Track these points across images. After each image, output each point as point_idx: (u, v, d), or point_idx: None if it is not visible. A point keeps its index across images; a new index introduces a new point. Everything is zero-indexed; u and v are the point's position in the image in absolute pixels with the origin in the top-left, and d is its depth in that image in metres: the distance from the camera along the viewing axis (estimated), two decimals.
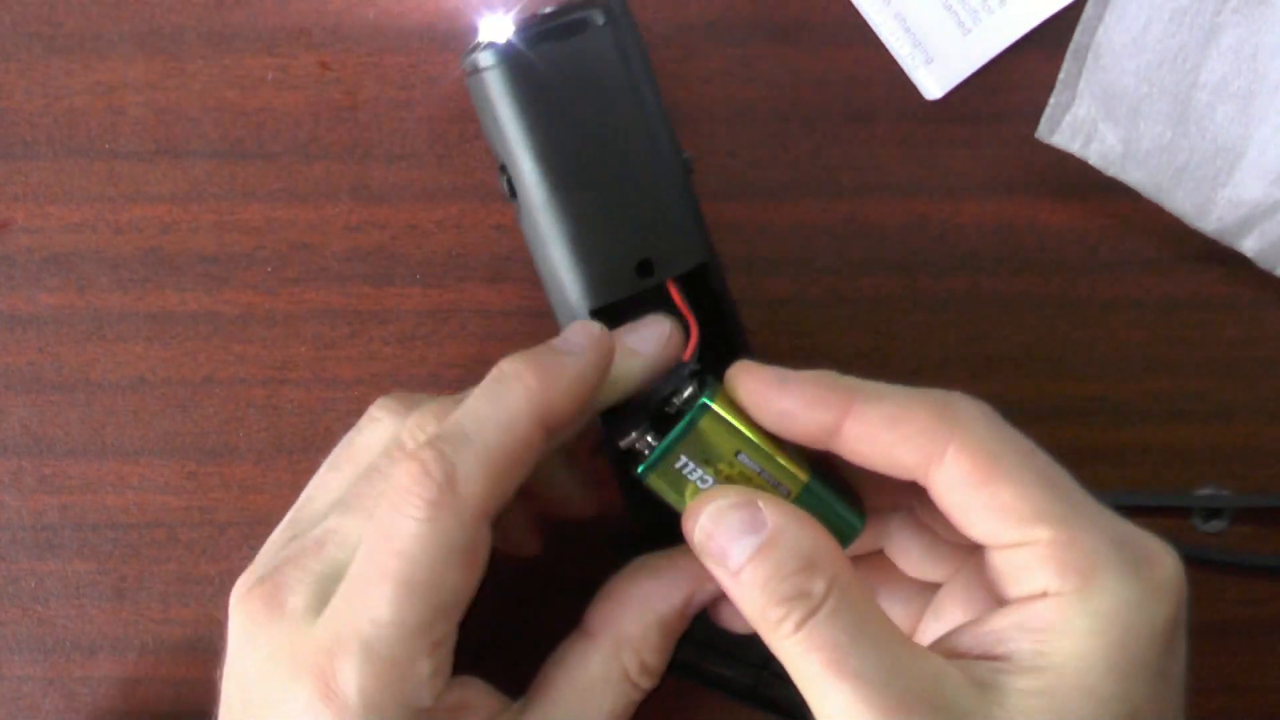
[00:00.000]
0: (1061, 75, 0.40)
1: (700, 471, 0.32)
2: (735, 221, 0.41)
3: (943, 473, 0.30)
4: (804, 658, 0.28)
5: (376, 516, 0.31)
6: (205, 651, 0.41)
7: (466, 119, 0.40)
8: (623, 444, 0.32)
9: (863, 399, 0.30)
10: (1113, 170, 0.40)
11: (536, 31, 0.35)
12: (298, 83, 0.40)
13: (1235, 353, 0.41)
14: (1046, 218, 0.41)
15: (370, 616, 0.30)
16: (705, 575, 0.32)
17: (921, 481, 0.30)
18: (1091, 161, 0.40)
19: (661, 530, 0.34)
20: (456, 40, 0.40)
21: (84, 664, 0.42)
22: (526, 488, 0.32)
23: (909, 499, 0.33)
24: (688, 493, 0.32)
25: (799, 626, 0.28)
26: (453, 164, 0.41)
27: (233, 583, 0.33)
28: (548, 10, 0.35)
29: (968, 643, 0.30)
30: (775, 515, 0.30)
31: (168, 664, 0.42)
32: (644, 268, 0.35)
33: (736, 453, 0.32)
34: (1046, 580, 0.29)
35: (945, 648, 0.30)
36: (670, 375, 0.34)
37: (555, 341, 0.33)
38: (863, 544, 0.35)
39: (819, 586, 0.29)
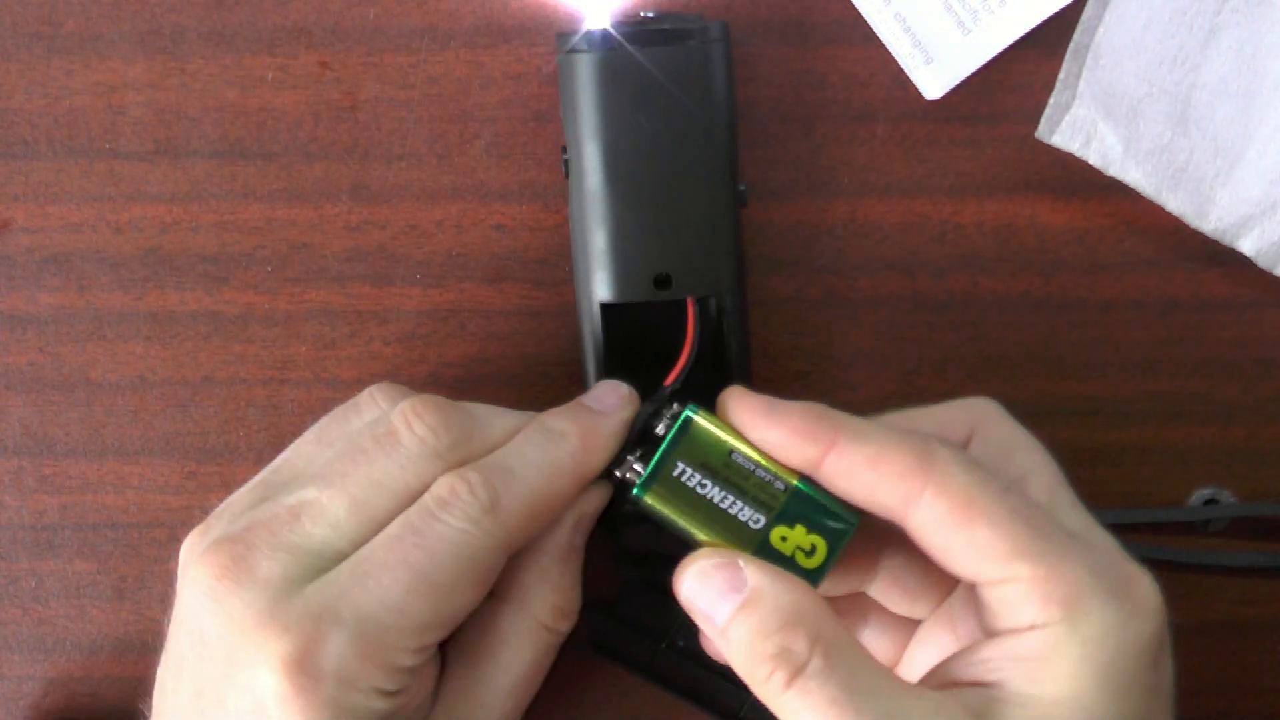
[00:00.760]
0: (1061, 75, 0.40)
1: (699, 476, 0.33)
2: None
3: (921, 513, 0.31)
4: (802, 715, 0.29)
5: (406, 515, 0.32)
6: None
7: (466, 119, 0.41)
8: (617, 471, 0.34)
9: (846, 437, 0.31)
10: (1113, 170, 0.40)
11: (640, 31, 0.36)
12: (298, 83, 0.40)
13: (1235, 353, 0.41)
14: (1046, 218, 0.41)
15: (378, 596, 0.30)
16: (582, 499, 0.34)
17: (900, 520, 0.31)
18: (1091, 161, 0.40)
19: (651, 585, 0.36)
20: (457, 40, 0.40)
21: (84, 664, 0.42)
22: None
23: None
24: (690, 506, 0.33)
25: (789, 684, 0.29)
26: (453, 164, 0.41)
27: None
28: (653, 14, 0.36)
29: (960, 671, 0.31)
30: (756, 575, 0.31)
31: None
32: (661, 281, 0.36)
33: (730, 453, 0.33)
34: (1033, 614, 0.29)
35: (939, 676, 0.31)
36: (652, 402, 0.35)
37: (588, 400, 0.35)
38: (847, 586, 0.36)
39: (801, 644, 0.30)
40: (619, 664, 0.40)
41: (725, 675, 0.37)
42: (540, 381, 0.41)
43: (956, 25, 0.40)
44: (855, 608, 0.36)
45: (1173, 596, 0.42)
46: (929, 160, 0.41)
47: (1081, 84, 0.39)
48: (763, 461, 0.32)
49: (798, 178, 0.41)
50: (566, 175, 0.37)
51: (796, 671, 0.29)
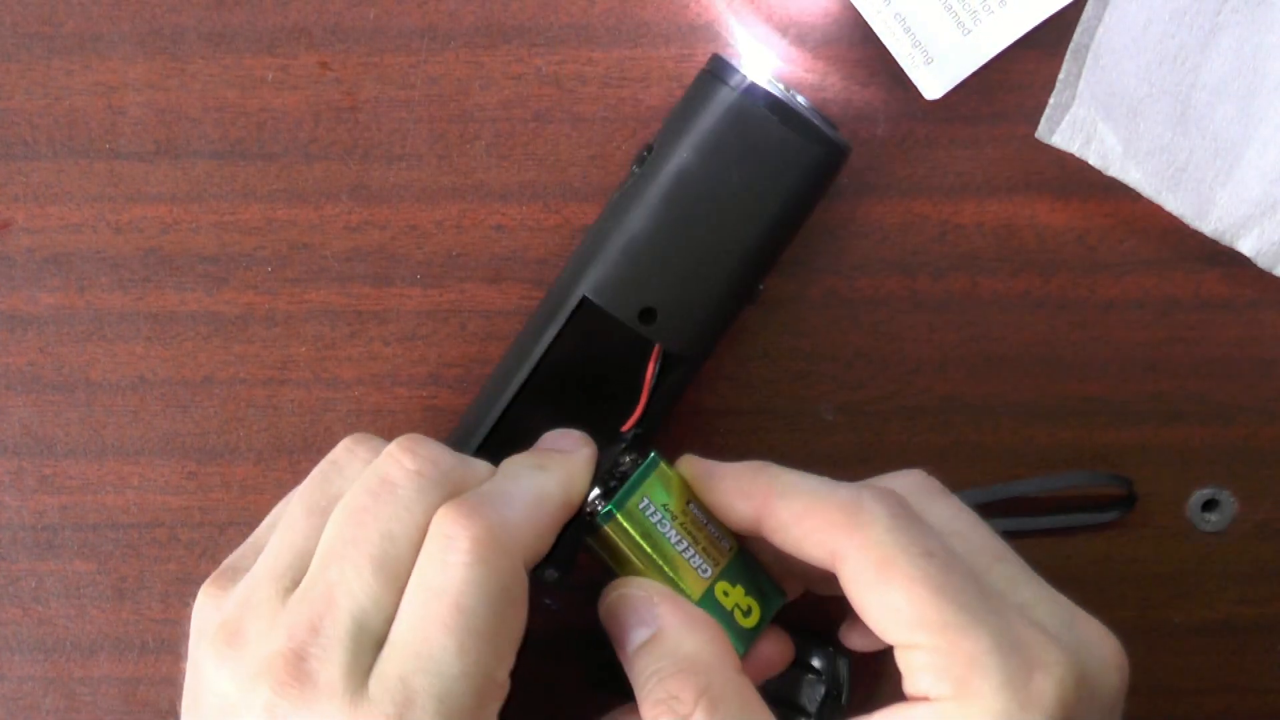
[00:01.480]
0: (1061, 75, 0.40)
1: (660, 514, 0.34)
2: None
3: (845, 569, 0.31)
4: None
5: (419, 571, 0.31)
6: None
7: (466, 119, 0.41)
8: (585, 510, 0.34)
9: (777, 494, 0.32)
10: (1113, 170, 0.40)
11: (783, 105, 0.36)
12: (298, 83, 0.40)
13: (1235, 353, 0.41)
14: (1046, 218, 0.41)
15: (438, 674, 0.30)
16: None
17: (834, 573, 0.32)
18: (1091, 161, 0.40)
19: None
20: (457, 40, 0.40)
21: (84, 664, 0.42)
22: None
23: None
24: (649, 540, 0.33)
25: None
26: (453, 164, 0.41)
27: None
28: (804, 100, 0.37)
29: None
30: (668, 616, 0.32)
31: (168, 664, 0.42)
32: (646, 314, 0.36)
33: (688, 502, 0.34)
34: (928, 685, 0.30)
35: None
36: (613, 449, 0.35)
37: (544, 446, 0.35)
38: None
39: (688, 695, 0.31)
40: (618, 695, 0.40)
41: None
42: None
43: (956, 25, 0.40)
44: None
45: (1173, 597, 0.42)
46: (929, 160, 0.41)
47: (1081, 84, 0.39)
48: (712, 520, 0.34)
49: None
50: (636, 166, 0.37)
51: None
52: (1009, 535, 0.34)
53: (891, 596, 0.30)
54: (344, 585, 0.31)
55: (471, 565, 0.30)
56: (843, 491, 0.32)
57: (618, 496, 0.33)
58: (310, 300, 0.41)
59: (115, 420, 0.42)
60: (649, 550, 0.33)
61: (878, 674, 0.35)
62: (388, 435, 0.34)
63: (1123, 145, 0.39)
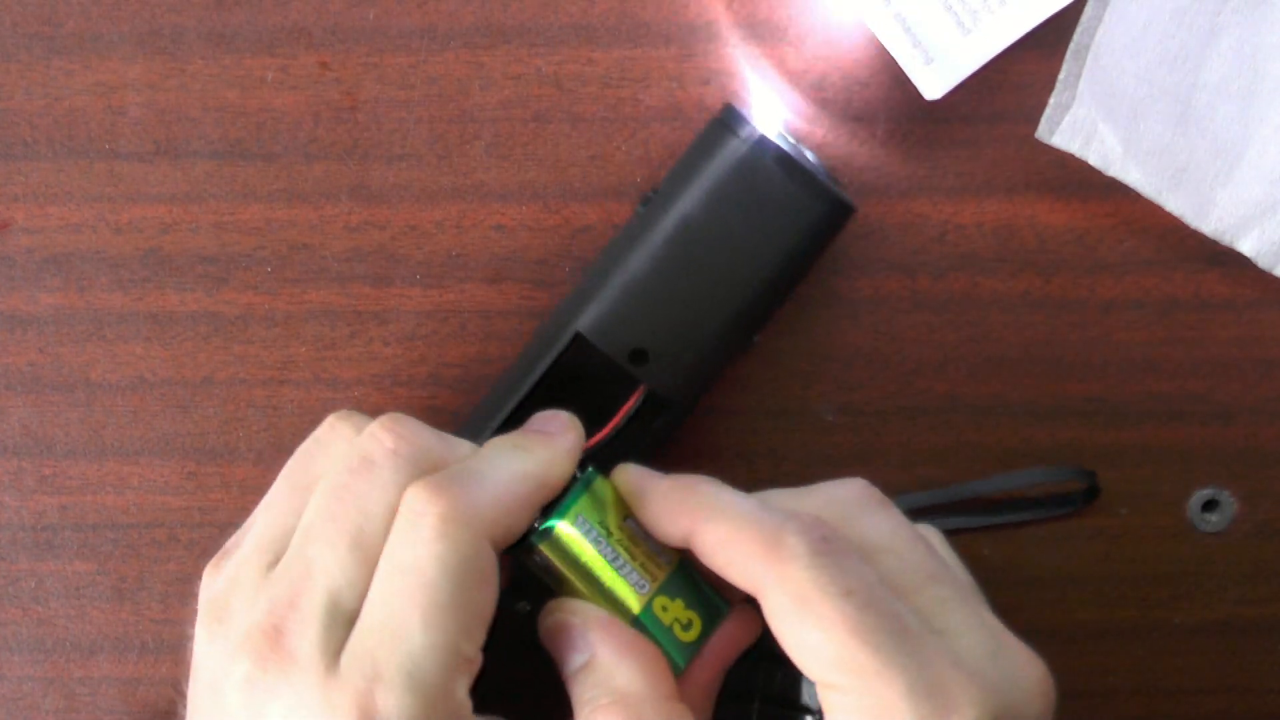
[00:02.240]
0: (1061, 75, 0.40)
1: (596, 532, 0.33)
2: None
3: (766, 603, 0.31)
4: None
5: (389, 548, 0.31)
6: None
7: (466, 120, 0.41)
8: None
9: (704, 517, 0.32)
10: (1113, 170, 0.40)
11: (791, 160, 0.36)
12: (298, 83, 0.40)
13: (1235, 353, 0.41)
14: (1046, 218, 0.41)
15: (405, 648, 0.30)
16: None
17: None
18: (1091, 162, 0.40)
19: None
20: (457, 40, 0.40)
21: (84, 664, 0.42)
22: None
23: None
24: (584, 557, 0.33)
25: None
26: (453, 164, 0.41)
27: None
28: (814, 157, 0.37)
29: None
30: (600, 645, 0.33)
31: (168, 664, 0.42)
32: (637, 355, 0.37)
33: (625, 518, 0.34)
34: None
35: None
36: None
37: (532, 428, 0.35)
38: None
39: None
40: None
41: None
42: None
43: (956, 25, 0.40)
44: None
45: (1173, 597, 0.42)
46: (929, 160, 0.41)
47: (1082, 84, 0.39)
48: (651, 534, 0.34)
49: None
50: (641, 207, 0.37)
51: None
52: (965, 533, 0.34)
53: (809, 636, 0.30)
54: (320, 562, 0.31)
55: (436, 541, 0.30)
56: (767, 520, 0.31)
57: (551, 516, 0.33)
58: (310, 300, 0.41)
59: (115, 420, 0.42)
60: (584, 569, 0.33)
61: None
62: None
63: (1123, 145, 0.39)
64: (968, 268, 0.41)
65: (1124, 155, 0.40)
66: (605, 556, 0.33)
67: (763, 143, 0.36)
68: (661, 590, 0.33)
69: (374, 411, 0.35)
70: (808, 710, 0.38)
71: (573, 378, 0.38)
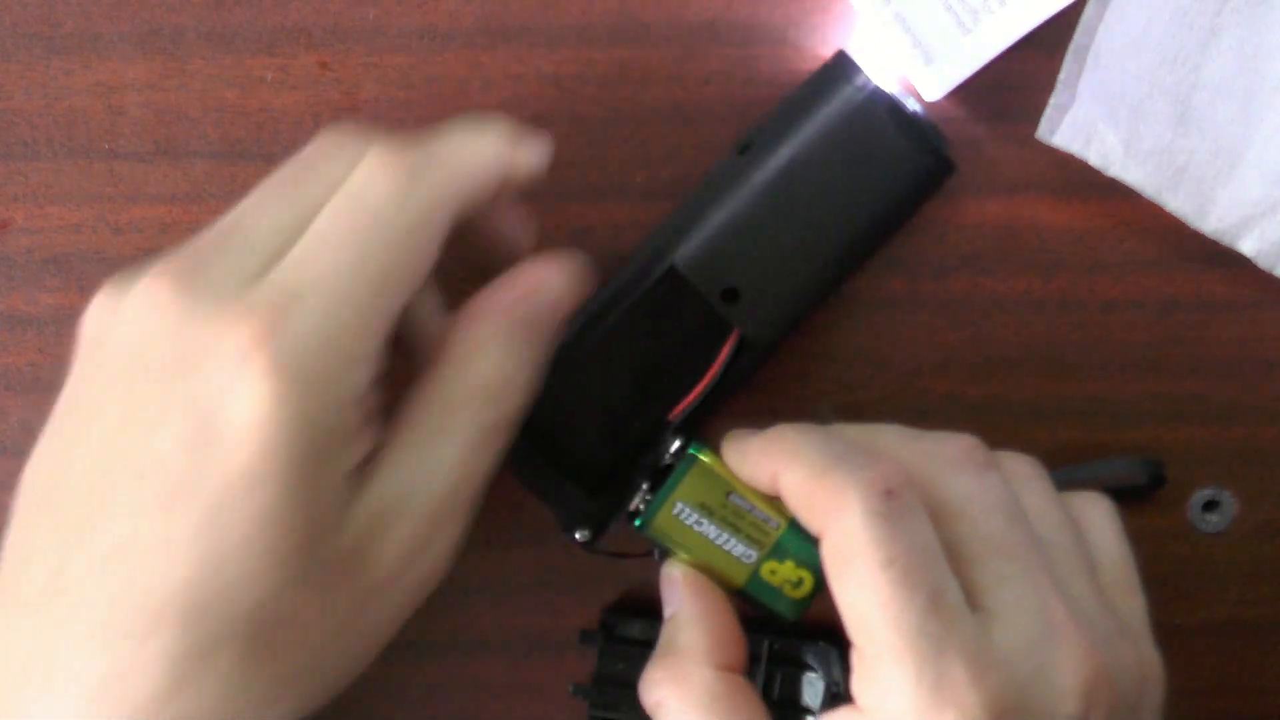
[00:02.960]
0: (1061, 75, 0.40)
1: (696, 515, 0.34)
2: None
3: (821, 551, 0.31)
4: None
5: (347, 181, 0.31)
6: None
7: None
8: (630, 507, 0.35)
9: (784, 466, 0.32)
10: (1113, 170, 0.40)
11: (905, 116, 0.36)
12: (298, 83, 0.40)
13: (1236, 353, 0.41)
14: (1046, 218, 0.41)
15: (335, 264, 0.30)
16: (544, 276, 0.34)
17: None
18: (1091, 162, 0.40)
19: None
20: (457, 40, 0.40)
21: None
22: None
23: None
24: (687, 540, 0.34)
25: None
26: None
27: None
28: (923, 114, 0.37)
29: None
30: (683, 603, 0.34)
31: None
32: (729, 294, 0.37)
33: (728, 494, 0.34)
34: (858, 689, 0.30)
35: None
36: (661, 436, 0.35)
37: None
38: None
39: (661, 690, 0.33)
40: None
41: None
42: None
43: (956, 25, 0.40)
44: None
45: (1173, 597, 0.42)
46: None
47: (1082, 84, 0.39)
48: (757, 503, 0.34)
49: None
50: (741, 153, 0.37)
51: (655, 707, 0.33)
52: None
53: (845, 594, 0.30)
54: (254, 212, 0.32)
55: (397, 183, 0.31)
56: (838, 469, 0.31)
57: (650, 510, 0.34)
58: None
59: None
60: (688, 548, 0.34)
61: None
62: None
63: (1123, 145, 0.39)
64: (968, 268, 0.41)
65: (1124, 155, 0.40)
66: (708, 536, 0.34)
67: (877, 93, 0.36)
68: (770, 555, 0.34)
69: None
70: (808, 711, 0.38)
71: (660, 313, 0.37)
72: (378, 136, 0.32)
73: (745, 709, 0.32)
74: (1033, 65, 0.40)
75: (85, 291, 0.41)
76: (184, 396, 0.29)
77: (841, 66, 0.37)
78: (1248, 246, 0.40)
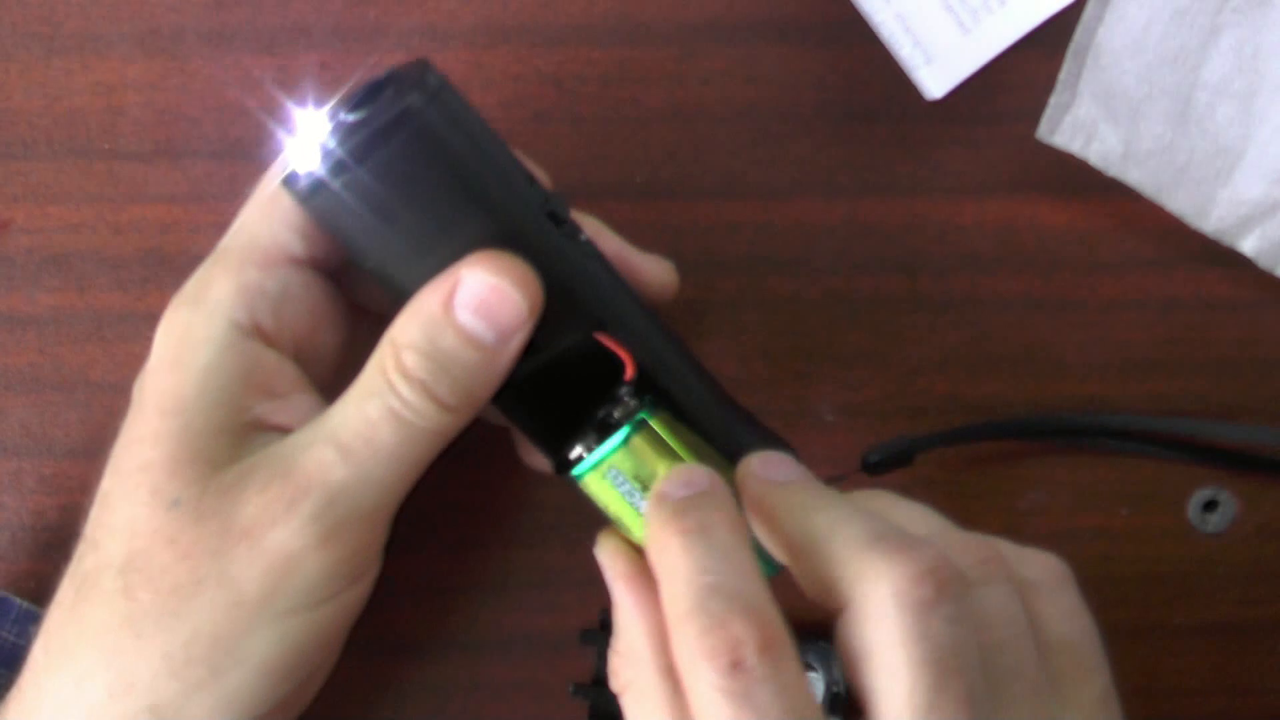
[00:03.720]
0: (1062, 75, 0.40)
1: (629, 485, 0.32)
2: (735, 221, 0.41)
3: (846, 623, 0.29)
4: None
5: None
6: None
7: None
8: (571, 455, 0.33)
9: (811, 535, 0.30)
10: (1113, 170, 0.40)
11: (356, 144, 0.30)
12: (298, 83, 0.40)
13: (1236, 353, 0.41)
14: (1046, 218, 0.41)
15: (244, 227, 0.33)
16: (459, 280, 0.31)
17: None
18: (1091, 161, 0.40)
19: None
20: (457, 40, 0.40)
21: None
22: None
23: None
24: (615, 505, 0.32)
25: None
26: None
27: None
28: (356, 116, 0.31)
29: None
30: (619, 596, 0.31)
31: None
32: (530, 349, 0.32)
33: (672, 466, 0.32)
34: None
35: None
36: (614, 394, 0.33)
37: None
38: None
39: (622, 679, 0.30)
40: None
41: None
42: None
43: (956, 25, 0.40)
44: None
45: (1173, 597, 0.42)
46: (929, 160, 0.41)
47: (1082, 84, 0.39)
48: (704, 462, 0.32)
49: (798, 178, 0.41)
50: (392, 297, 0.33)
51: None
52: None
53: (869, 679, 0.28)
54: None
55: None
56: (879, 548, 0.28)
57: (585, 462, 0.32)
58: None
59: (115, 421, 0.41)
60: (616, 515, 0.33)
61: None
62: None
63: (1123, 145, 0.39)
64: (968, 268, 0.41)
65: (1124, 155, 0.40)
66: (638, 509, 0.32)
67: (329, 168, 0.31)
68: None
69: None
70: None
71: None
72: None
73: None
74: (1033, 65, 0.40)
75: (85, 291, 0.41)
76: None
77: (294, 183, 0.32)
78: (1248, 246, 0.40)
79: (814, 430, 0.41)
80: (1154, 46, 0.39)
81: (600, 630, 0.40)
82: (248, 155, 0.41)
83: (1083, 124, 0.40)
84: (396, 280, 0.32)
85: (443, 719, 0.41)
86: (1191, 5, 0.39)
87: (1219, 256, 0.40)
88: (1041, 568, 0.31)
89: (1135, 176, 0.40)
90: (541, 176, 0.35)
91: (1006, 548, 0.31)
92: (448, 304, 0.31)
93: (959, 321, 0.41)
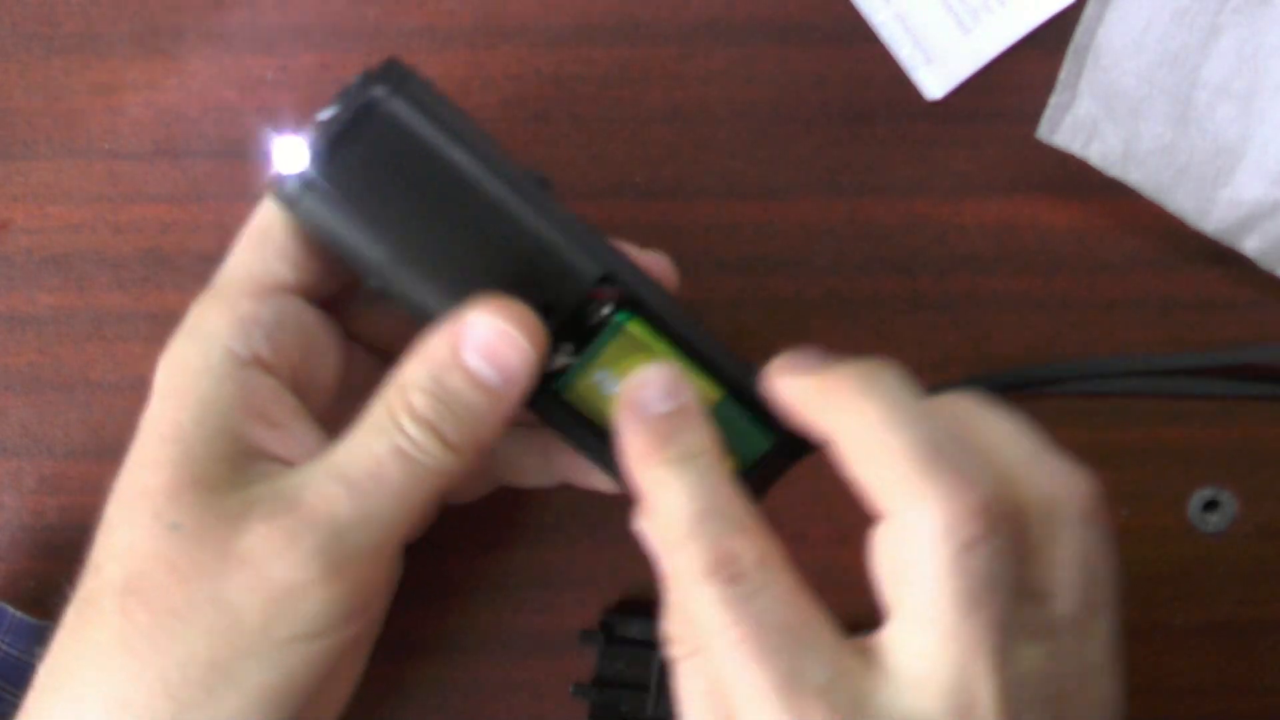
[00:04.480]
0: (1062, 75, 0.40)
1: (617, 386, 0.32)
2: (735, 221, 0.41)
3: (884, 533, 0.30)
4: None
5: None
6: None
7: None
8: (551, 367, 0.33)
9: (859, 434, 0.30)
10: (1113, 170, 0.40)
11: (330, 138, 0.32)
12: (298, 83, 0.40)
13: (1235, 353, 0.41)
14: (1046, 218, 0.41)
15: (237, 260, 0.34)
16: (467, 324, 0.32)
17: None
18: (1092, 161, 0.40)
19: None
20: (457, 40, 0.40)
21: None
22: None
23: None
24: (607, 413, 0.33)
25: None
26: None
27: None
28: (328, 113, 0.32)
29: None
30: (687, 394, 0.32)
31: None
32: (548, 312, 0.33)
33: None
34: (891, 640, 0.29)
35: None
36: (593, 305, 0.33)
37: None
38: None
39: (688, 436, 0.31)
40: None
41: None
42: None
43: (956, 25, 0.40)
44: None
45: (1173, 597, 0.42)
46: (929, 160, 0.41)
47: (1082, 84, 0.39)
48: (690, 380, 0.32)
49: (798, 178, 0.41)
50: (386, 297, 0.33)
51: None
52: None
53: (899, 596, 0.29)
54: None
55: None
56: (935, 472, 0.28)
57: (573, 370, 0.33)
58: None
59: (115, 420, 0.41)
60: (605, 415, 0.33)
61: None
62: None
63: (1123, 145, 0.39)
64: (968, 268, 0.41)
65: (1124, 155, 0.40)
66: None
67: (312, 170, 0.32)
68: None
69: None
70: None
71: None
72: None
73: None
74: (1033, 65, 0.40)
75: (85, 291, 0.41)
76: None
77: (280, 188, 0.32)
78: (1248, 246, 0.40)
79: None
80: (1154, 46, 0.39)
81: (600, 630, 0.40)
82: (247, 155, 0.41)
83: (1083, 124, 0.40)
84: (396, 285, 0.32)
85: (442, 719, 0.41)
86: (1191, 5, 0.39)
87: (1219, 256, 0.40)
88: (1082, 495, 0.31)
89: (1135, 176, 0.40)
90: None
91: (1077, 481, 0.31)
92: (455, 347, 0.31)
93: (959, 321, 0.41)
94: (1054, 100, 0.40)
